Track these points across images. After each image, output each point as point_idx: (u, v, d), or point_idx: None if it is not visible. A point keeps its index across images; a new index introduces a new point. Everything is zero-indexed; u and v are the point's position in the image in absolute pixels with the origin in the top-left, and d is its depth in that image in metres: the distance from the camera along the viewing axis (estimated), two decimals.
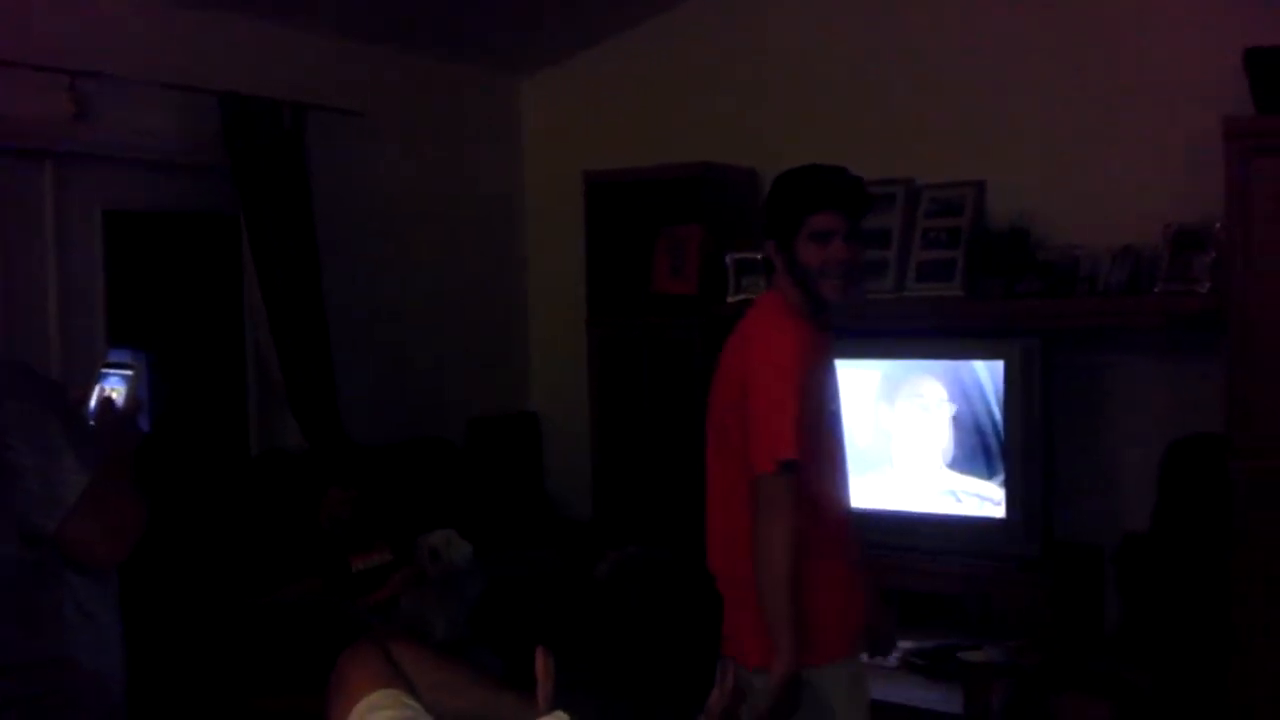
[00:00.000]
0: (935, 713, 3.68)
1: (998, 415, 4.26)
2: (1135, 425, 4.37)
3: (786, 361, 2.73)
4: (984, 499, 4.30)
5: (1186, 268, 4.01)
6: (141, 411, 2.35)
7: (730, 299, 4.71)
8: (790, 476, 2.66)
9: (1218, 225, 3.86)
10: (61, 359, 4.08)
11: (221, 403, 4.79)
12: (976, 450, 4.33)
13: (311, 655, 2.59)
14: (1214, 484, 3.75)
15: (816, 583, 2.70)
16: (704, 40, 5.28)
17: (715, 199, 4.95)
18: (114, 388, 2.31)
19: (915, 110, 4.76)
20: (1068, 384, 4.41)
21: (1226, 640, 3.68)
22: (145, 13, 4.26)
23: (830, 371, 2.90)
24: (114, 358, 2.38)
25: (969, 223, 4.52)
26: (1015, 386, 4.20)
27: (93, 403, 2.29)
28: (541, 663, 1.48)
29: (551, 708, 1.46)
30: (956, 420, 4.35)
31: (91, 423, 2.26)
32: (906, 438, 4.47)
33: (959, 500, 4.36)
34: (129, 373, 2.32)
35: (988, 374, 4.28)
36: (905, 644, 3.97)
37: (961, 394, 4.35)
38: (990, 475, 4.30)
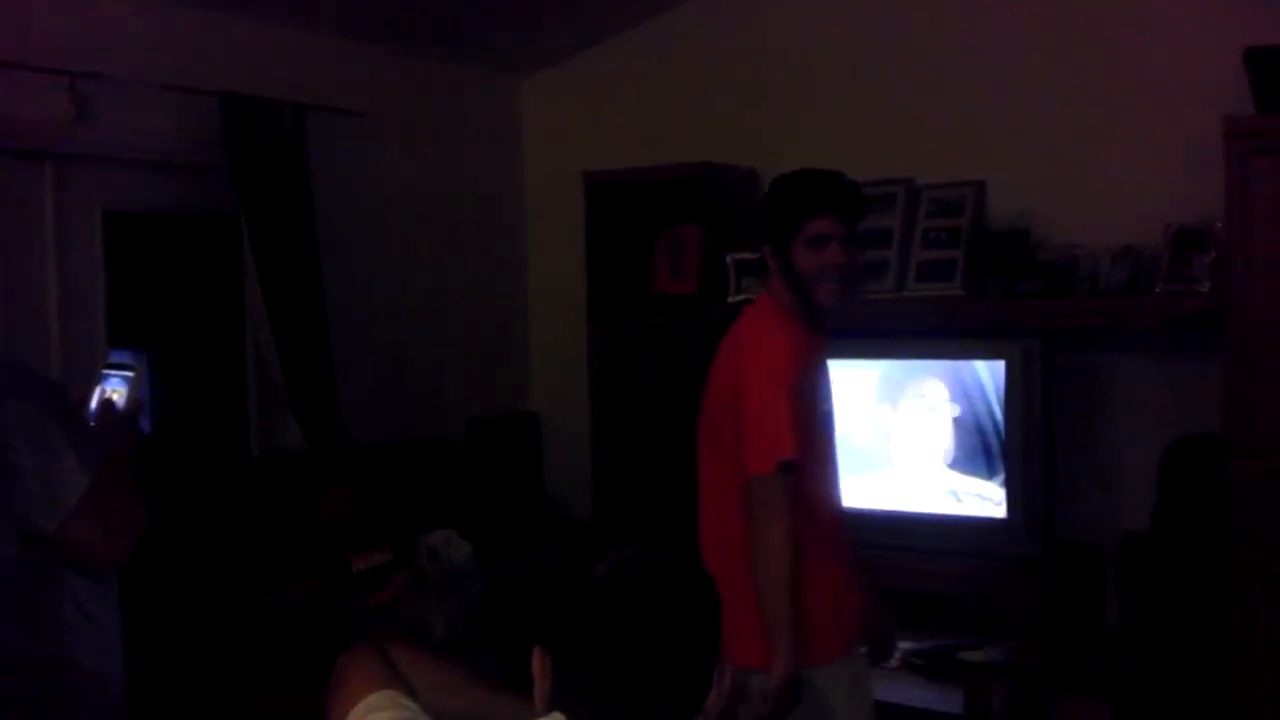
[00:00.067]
0: (935, 713, 3.69)
1: (998, 415, 4.26)
2: (1135, 425, 4.37)
3: (779, 364, 2.73)
4: (984, 499, 4.30)
5: (1186, 268, 4.01)
6: (142, 412, 2.35)
7: (730, 299, 4.71)
8: (789, 478, 2.66)
9: (1218, 225, 3.86)
10: (62, 360, 4.08)
11: (222, 403, 4.79)
12: (977, 450, 4.33)
13: (311, 656, 2.59)
14: (1213, 484, 3.75)
15: (812, 583, 2.70)
16: (703, 40, 5.28)
17: (715, 199, 4.95)
18: (115, 389, 2.31)
19: (915, 110, 4.76)
20: (1068, 384, 4.41)
21: (1226, 640, 3.68)
22: (145, 13, 4.26)
23: (823, 373, 2.90)
24: (115, 359, 2.39)
25: (969, 223, 4.52)
26: (1015, 386, 4.20)
27: (93, 404, 2.29)
28: (538, 662, 1.48)
29: (549, 708, 1.46)
30: (957, 420, 4.35)
31: (92, 424, 2.26)
32: (907, 438, 4.47)
33: (959, 500, 4.36)
34: (130, 374, 2.33)
35: (988, 374, 4.28)
36: (905, 644, 3.97)
37: (962, 394, 4.35)
38: (991, 475, 4.30)
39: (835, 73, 4.96)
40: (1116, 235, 4.21)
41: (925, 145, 4.72)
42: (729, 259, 4.76)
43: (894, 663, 3.87)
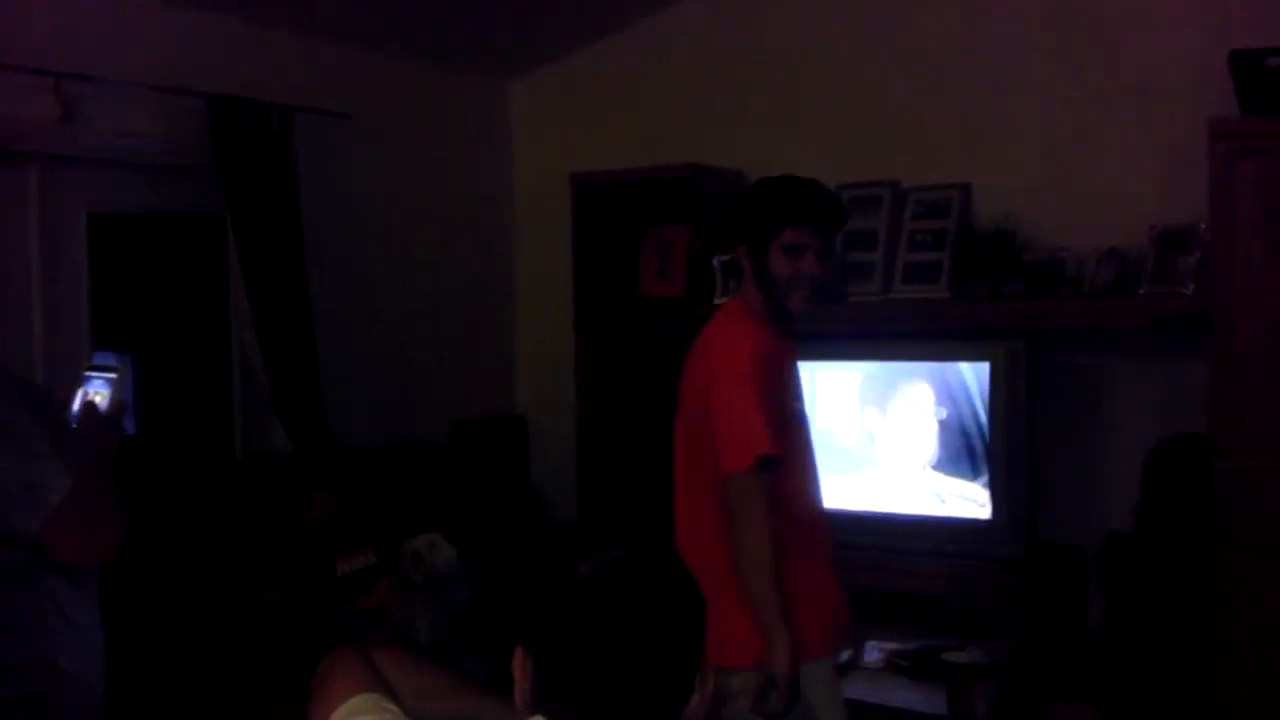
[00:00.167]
0: (918, 714, 3.69)
1: (983, 417, 4.27)
2: (1120, 426, 4.38)
3: (745, 364, 2.76)
4: (969, 500, 4.31)
5: (1171, 269, 4.03)
6: (125, 414, 2.35)
7: (717, 301, 4.70)
8: (765, 474, 2.68)
9: (1202, 227, 3.88)
10: (46, 362, 4.07)
11: (207, 405, 4.78)
12: (961, 451, 4.34)
13: (295, 660, 2.59)
14: (1198, 484, 3.77)
15: (791, 583, 2.71)
16: (691, 43, 5.28)
17: (702, 201, 4.95)
18: (97, 391, 2.31)
19: (901, 113, 4.77)
20: (1053, 385, 4.42)
21: (1209, 640, 3.69)
22: (131, 14, 4.25)
23: (792, 372, 2.94)
24: (99, 360, 2.39)
25: (955, 225, 4.53)
26: (1000, 388, 4.22)
27: (76, 406, 2.29)
28: (519, 663, 1.48)
29: (531, 710, 1.46)
30: (942, 422, 4.36)
31: (74, 425, 2.26)
32: (892, 439, 4.48)
33: (944, 501, 4.37)
34: (113, 375, 2.33)
35: (973, 375, 4.29)
36: (889, 645, 3.99)
37: (947, 395, 4.36)
38: (975, 476, 4.31)
39: (822, 76, 4.97)
40: (1102, 237, 4.23)
41: (911, 147, 4.72)
42: (716, 261, 4.76)
43: (877, 662, 3.89)
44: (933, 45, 4.72)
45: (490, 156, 5.80)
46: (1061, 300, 4.22)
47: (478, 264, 5.71)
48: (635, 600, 1.61)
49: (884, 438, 4.49)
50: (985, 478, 4.28)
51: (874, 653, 3.92)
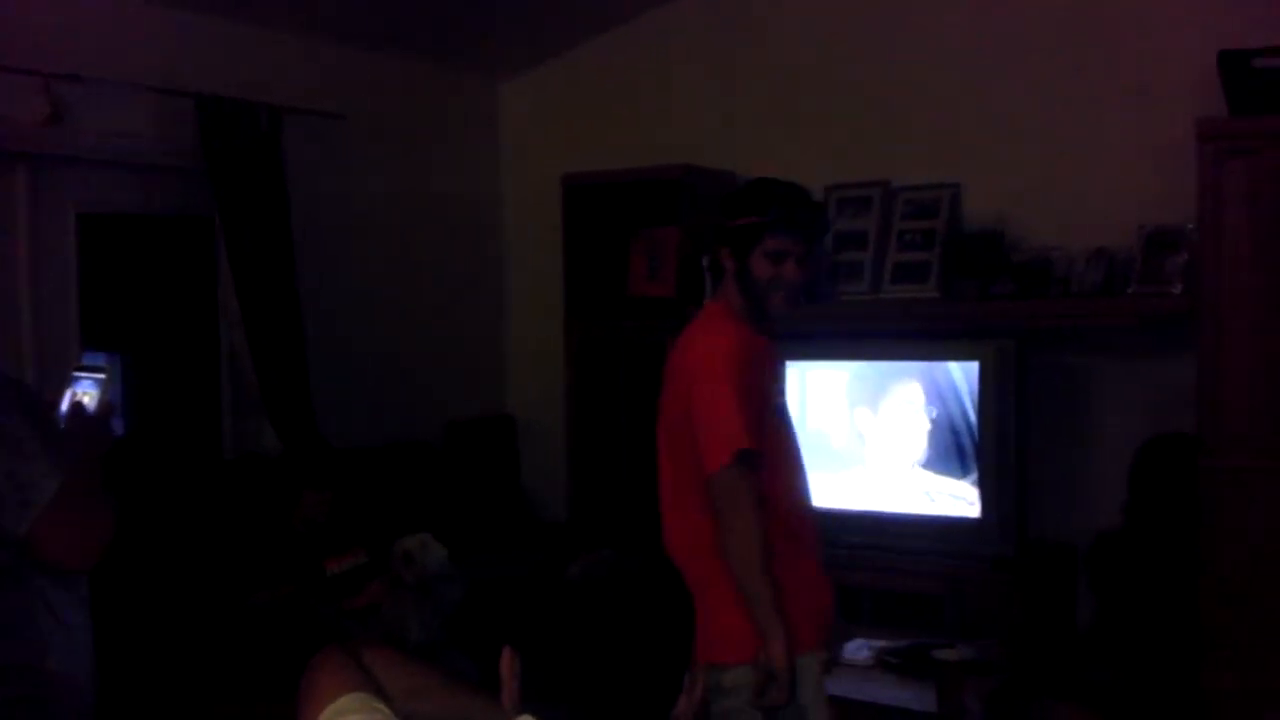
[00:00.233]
0: (908, 711, 3.69)
1: (972, 416, 4.28)
2: (1108, 425, 4.39)
3: (722, 363, 2.78)
4: (958, 499, 4.32)
5: (1160, 269, 4.04)
6: (114, 415, 2.35)
7: (708, 302, 4.71)
8: (747, 469, 2.69)
9: (1190, 227, 3.89)
10: (35, 362, 4.06)
11: (196, 405, 4.77)
12: (951, 450, 4.35)
13: (285, 660, 2.58)
14: (1186, 482, 3.78)
15: (781, 578, 2.71)
16: (682, 44, 5.28)
17: (693, 202, 4.95)
18: (86, 391, 2.31)
19: (891, 113, 4.78)
20: (1042, 384, 4.43)
21: (1198, 637, 3.70)
22: (121, 14, 4.24)
23: (775, 370, 2.95)
24: (87, 361, 2.39)
25: (944, 225, 4.54)
26: (990, 387, 4.22)
27: (64, 406, 2.29)
28: (507, 663, 1.48)
29: (519, 710, 1.46)
30: (932, 421, 4.37)
31: (63, 426, 2.26)
32: (881, 438, 4.48)
33: (933, 500, 4.38)
34: (102, 376, 2.33)
35: (962, 375, 4.30)
36: (879, 643, 3.99)
37: (937, 395, 4.37)
38: (964, 475, 4.32)
39: (812, 76, 4.98)
40: (1090, 237, 4.24)
41: (901, 148, 4.73)
42: (706, 262, 4.76)
43: (868, 659, 3.90)
44: (921, 47, 4.73)
45: (481, 157, 5.79)
46: (1050, 300, 4.23)
47: (469, 264, 5.71)
48: (624, 601, 1.61)
49: (873, 437, 4.50)
50: (975, 476, 4.29)
51: (864, 650, 3.93)
